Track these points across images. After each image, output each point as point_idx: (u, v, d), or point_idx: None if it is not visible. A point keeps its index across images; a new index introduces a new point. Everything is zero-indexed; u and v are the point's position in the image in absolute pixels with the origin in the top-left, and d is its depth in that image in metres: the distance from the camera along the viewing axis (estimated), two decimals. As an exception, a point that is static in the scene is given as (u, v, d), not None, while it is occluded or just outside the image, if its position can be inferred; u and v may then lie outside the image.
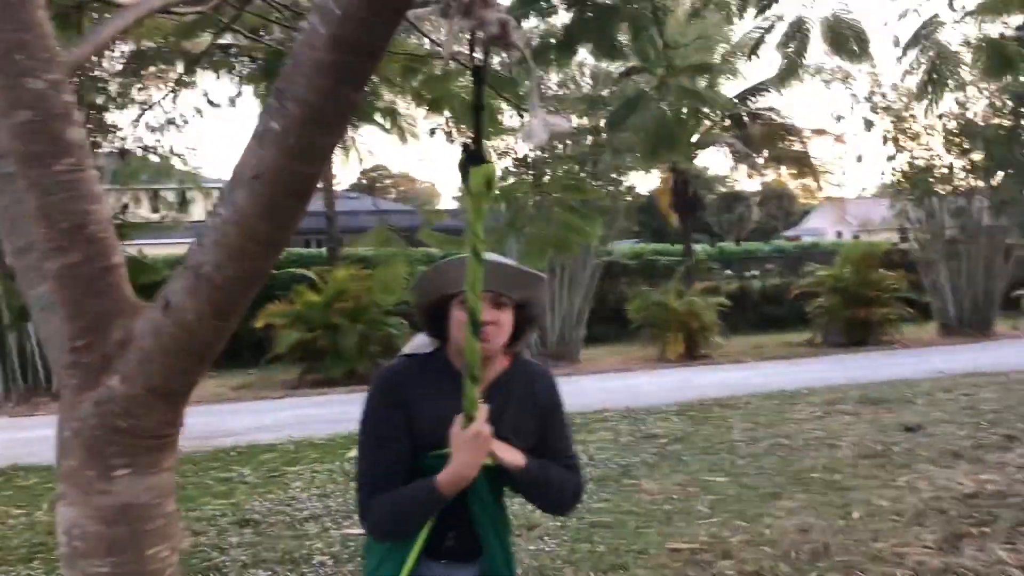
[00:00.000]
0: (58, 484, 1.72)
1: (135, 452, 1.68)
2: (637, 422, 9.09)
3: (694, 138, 18.61)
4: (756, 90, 20.13)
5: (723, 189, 46.25)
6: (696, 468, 6.86)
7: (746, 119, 20.69)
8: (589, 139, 13.12)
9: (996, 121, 17.20)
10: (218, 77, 7.02)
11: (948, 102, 18.36)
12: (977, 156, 17.85)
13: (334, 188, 20.48)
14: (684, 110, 4.30)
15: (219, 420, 10.76)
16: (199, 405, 12.29)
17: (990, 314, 18.41)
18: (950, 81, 4.60)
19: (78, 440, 1.67)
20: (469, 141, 1.76)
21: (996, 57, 4.28)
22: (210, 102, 10.17)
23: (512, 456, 1.99)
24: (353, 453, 7.99)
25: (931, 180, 18.41)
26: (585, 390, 11.75)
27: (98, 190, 1.75)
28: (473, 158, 1.72)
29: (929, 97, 4.68)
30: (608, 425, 9.01)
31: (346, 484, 6.88)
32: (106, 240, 1.73)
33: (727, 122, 20.17)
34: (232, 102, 9.15)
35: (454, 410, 1.89)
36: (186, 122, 12.20)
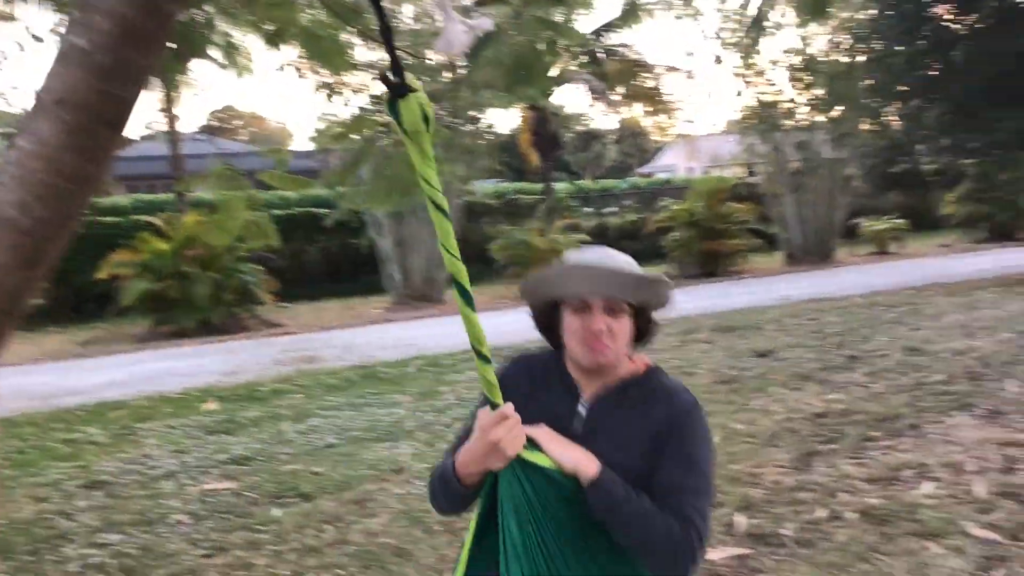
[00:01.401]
0: None
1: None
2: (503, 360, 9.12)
3: (552, 73, 18.61)
4: (610, 27, 20.25)
5: (581, 127, 46.79)
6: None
7: (601, 55, 20.82)
8: (446, 76, 12.87)
9: (835, 58, 17.99)
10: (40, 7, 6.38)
11: (792, 39, 19.01)
12: (819, 91, 18.66)
13: (178, 130, 19.41)
14: (541, 44, 4.19)
15: (63, 378, 10.13)
16: (40, 363, 11.54)
17: (831, 242, 19.50)
18: (768, 21, 4.69)
19: None
20: (387, 73, 1.45)
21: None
22: (34, 36, 9.33)
23: (572, 455, 1.64)
24: (211, 406, 7.72)
25: (776, 115, 19.16)
26: (451, 332, 11.71)
27: None
28: (397, 89, 1.43)
29: (754, 35, 4.76)
30: (473, 365, 8.99)
31: (203, 438, 6.60)
32: None
33: (583, 58, 20.24)
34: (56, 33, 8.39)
35: (558, 418, 1.72)
36: (6, 59, 11.17)
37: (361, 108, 9.07)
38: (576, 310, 1.72)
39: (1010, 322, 8.96)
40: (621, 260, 1.75)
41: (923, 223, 23.58)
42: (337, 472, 5.40)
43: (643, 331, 1.82)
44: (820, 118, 19.14)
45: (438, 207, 1.49)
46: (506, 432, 1.59)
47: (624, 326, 1.74)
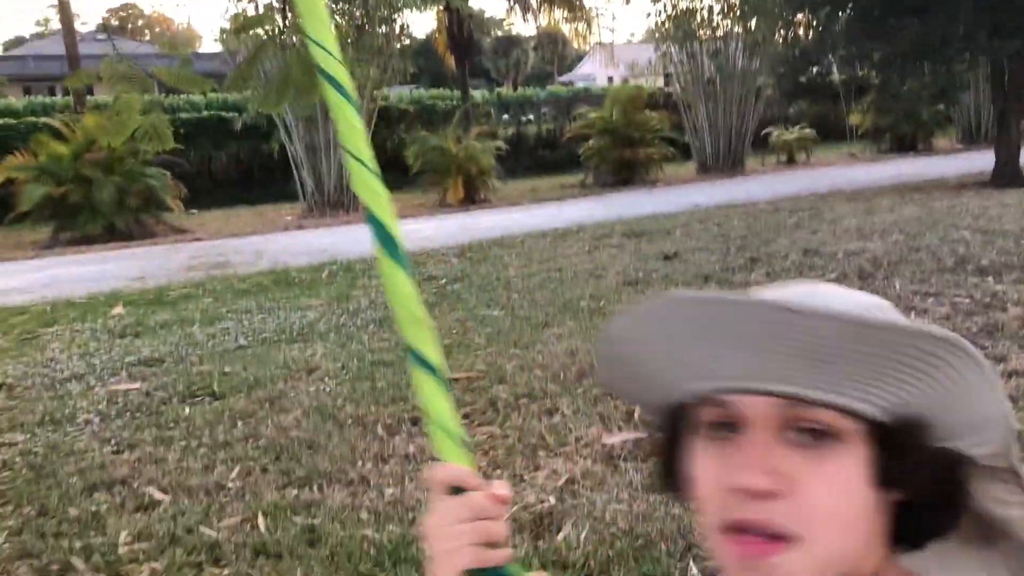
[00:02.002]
0: None
1: None
2: (417, 266, 9.17)
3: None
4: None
5: (499, 33, 46.01)
6: (473, 304, 7.07)
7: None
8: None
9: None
10: None
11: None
12: (734, 0, 18.73)
13: (76, 29, 18.39)
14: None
15: (-41, 285, 9.79)
16: (-67, 270, 11.10)
17: (742, 152, 19.89)
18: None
19: None
20: None
21: None
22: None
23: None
24: (119, 310, 7.60)
25: (692, 24, 19.20)
26: (363, 238, 11.67)
27: None
28: None
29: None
30: (387, 269, 9.03)
31: (111, 341, 6.53)
32: None
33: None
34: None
35: None
36: None
37: (266, 6, 8.77)
38: (711, 428, 0.75)
39: (902, 225, 9.39)
40: (838, 299, 0.74)
41: (832, 134, 24.19)
42: (248, 372, 5.43)
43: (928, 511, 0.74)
44: (735, 28, 19.27)
45: (333, 82, 0.89)
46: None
47: (829, 474, 0.70)
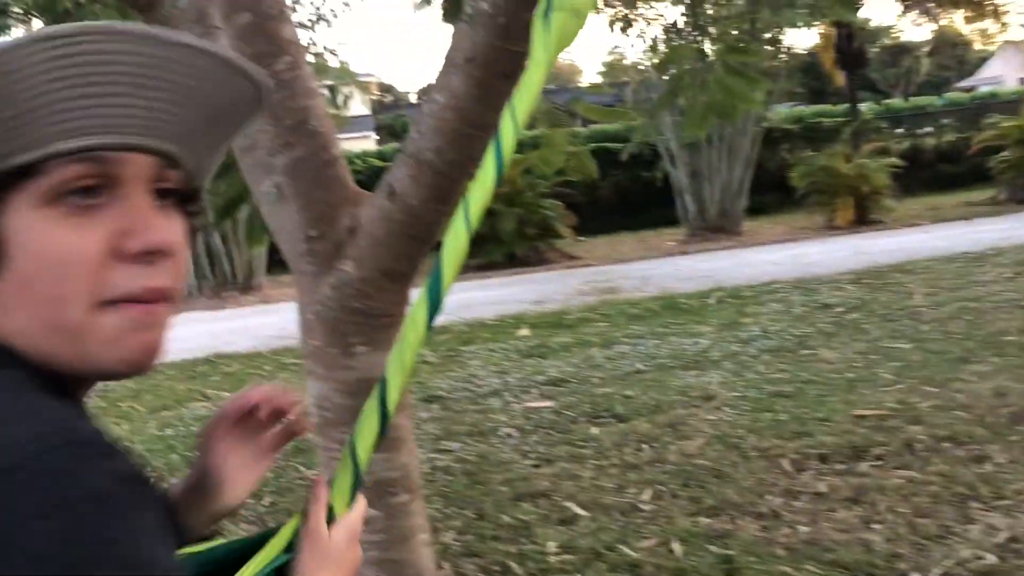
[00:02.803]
0: (304, 361, 1.89)
1: (371, 330, 1.81)
2: (809, 292, 8.87)
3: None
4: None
5: (887, 41, 43.05)
6: (876, 335, 6.67)
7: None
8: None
9: None
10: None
11: None
12: None
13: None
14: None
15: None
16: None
17: None
18: None
19: (319, 322, 1.81)
20: None
21: None
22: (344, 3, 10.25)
23: None
24: (524, 332, 8.28)
25: None
26: (750, 263, 11.56)
27: (313, 86, 1.83)
28: None
29: None
30: (779, 297, 8.84)
31: (521, 361, 7.13)
32: (326, 134, 1.82)
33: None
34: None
35: None
36: (336, 16, 12.36)
37: (669, 37, 9.05)
38: (70, 194, 0.66)
39: None
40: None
41: None
42: (648, 396, 5.63)
43: None
44: None
45: (498, 147, 0.94)
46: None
47: (185, 232, 0.75)
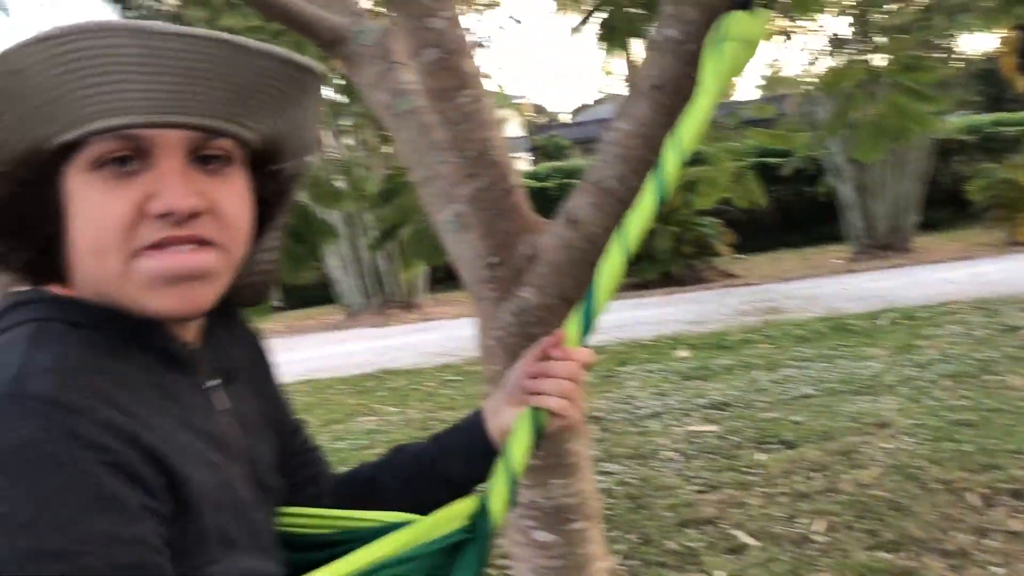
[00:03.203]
0: (486, 386, 1.92)
1: (551, 357, 1.82)
2: (992, 313, 8.29)
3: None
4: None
5: (1077, 41, 39.88)
6: (1074, 362, 6.16)
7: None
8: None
9: None
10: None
11: None
12: None
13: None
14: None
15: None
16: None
17: None
18: None
19: (501, 347, 1.85)
20: None
21: None
22: (514, 19, 10.45)
23: None
24: (683, 353, 8.14)
25: None
26: (923, 281, 10.93)
27: (493, 117, 1.87)
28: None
29: None
30: (957, 318, 8.30)
31: (680, 383, 7.01)
32: (505, 163, 1.85)
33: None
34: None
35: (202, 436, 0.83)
36: (492, 41, 12.62)
37: (833, 50, 8.75)
38: (110, 163, 0.77)
39: None
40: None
41: None
42: (817, 422, 5.40)
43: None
44: None
45: (661, 177, 1.06)
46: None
47: (240, 194, 0.84)
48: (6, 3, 4.91)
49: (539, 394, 1.03)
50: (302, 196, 3.92)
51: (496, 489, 1.00)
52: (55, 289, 0.82)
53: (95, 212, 0.76)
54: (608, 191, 1.62)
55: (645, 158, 1.57)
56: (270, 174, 0.89)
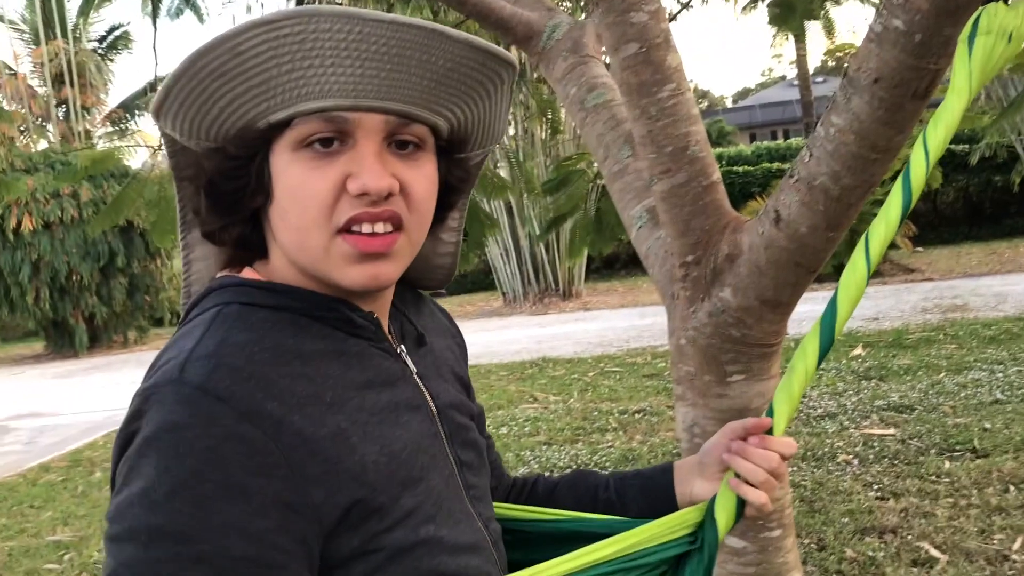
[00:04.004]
0: (675, 386, 1.89)
1: (748, 359, 1.77)
2: None
3: None
4: None
5: None
6: None
7: None
8: None
9: None
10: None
11: None
12: None
13: (808, 75, 19.53)
14: None
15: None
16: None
17: None
18: None
19: (694, 348, 1.81)
20: None
21: None
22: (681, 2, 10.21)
23: None
24: (859, 352, 7.76)
25: None
26: None
27: (695, 112, 1.83)
28: None
29: None
30: None
31: (857, 383, 6.69)
32: (706, 159, 1.80)
33: None
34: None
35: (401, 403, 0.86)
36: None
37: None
38: (316, 143, 0.80)
39: None
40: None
41: None
42: (1012, 430, 5.03)
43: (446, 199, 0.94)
44: None
45: (907, 180, 0.99)
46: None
47: (430, 177, 0.87)
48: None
49: (737, 476, 1.00)
50: (481, 188, 3.98)
51: (722, 501, 0.98)
52: (247, 273, 0.88)
53: (300, 190, 0.80)
54: (819, 188, 1.55)
55: (861, 155, 1.49)
56: (456, 161, 0.93)
